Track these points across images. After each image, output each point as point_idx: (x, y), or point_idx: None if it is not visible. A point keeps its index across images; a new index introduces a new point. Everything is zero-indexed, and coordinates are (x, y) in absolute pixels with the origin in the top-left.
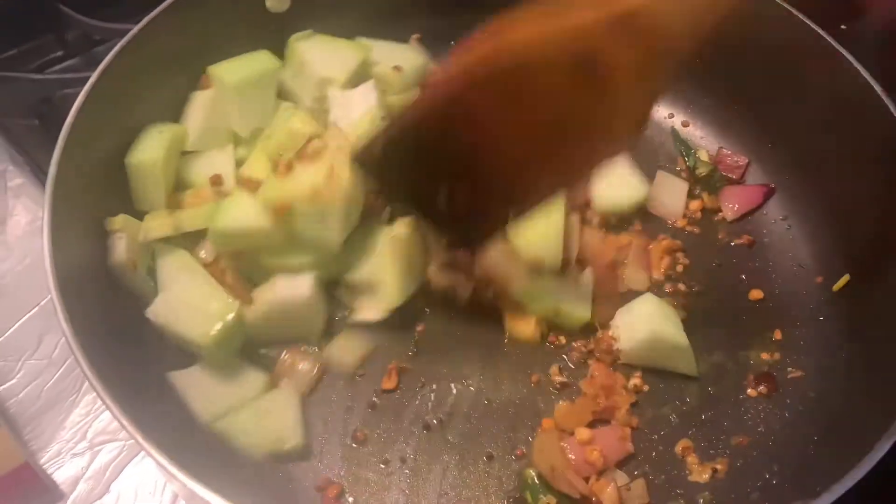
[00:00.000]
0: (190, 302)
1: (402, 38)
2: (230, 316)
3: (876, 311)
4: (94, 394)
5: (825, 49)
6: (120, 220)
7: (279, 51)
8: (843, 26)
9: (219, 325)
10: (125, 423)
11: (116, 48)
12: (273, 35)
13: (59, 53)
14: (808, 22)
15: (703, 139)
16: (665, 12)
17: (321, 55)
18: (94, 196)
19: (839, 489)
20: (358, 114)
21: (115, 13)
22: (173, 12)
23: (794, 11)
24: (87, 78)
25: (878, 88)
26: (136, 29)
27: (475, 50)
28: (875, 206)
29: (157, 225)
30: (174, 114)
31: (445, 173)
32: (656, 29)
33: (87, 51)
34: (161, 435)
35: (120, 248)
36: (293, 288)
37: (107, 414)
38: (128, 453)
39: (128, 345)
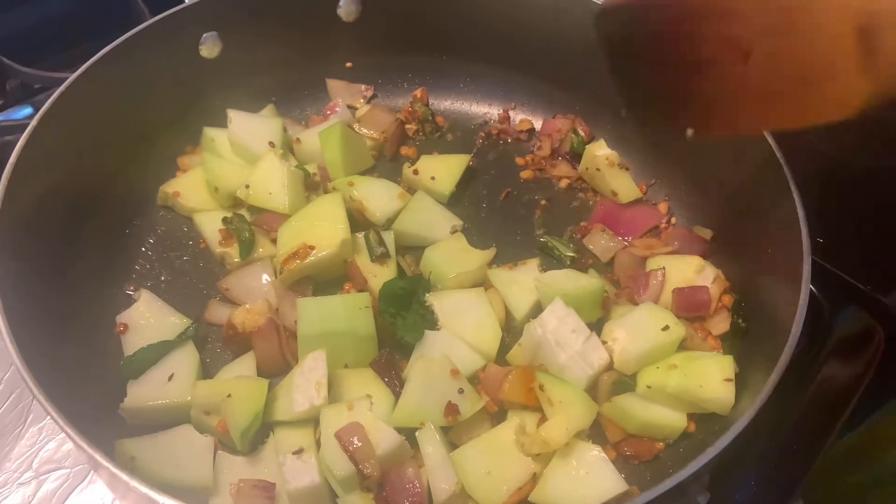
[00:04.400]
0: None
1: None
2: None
3: None
4: (40, 426)
5: None
6: None
7: (213, 96)
8: None
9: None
10: (75, 436)
11: (55, 95)
12: (206, 82)
13: None
14: None
15: None
16: None
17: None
18: (37, 237)
19: None
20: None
21: (55, 63)
22: (109, 61)
23: None
24: (27, 125)
25: None
26: (73, 77)
27: None
28: None
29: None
30: (115, 158)
31: (676, 57)
32: None
33: (27, 99)
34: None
35: None
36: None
37: (52, 444)
38: (73, 480)
39: (76, 375)
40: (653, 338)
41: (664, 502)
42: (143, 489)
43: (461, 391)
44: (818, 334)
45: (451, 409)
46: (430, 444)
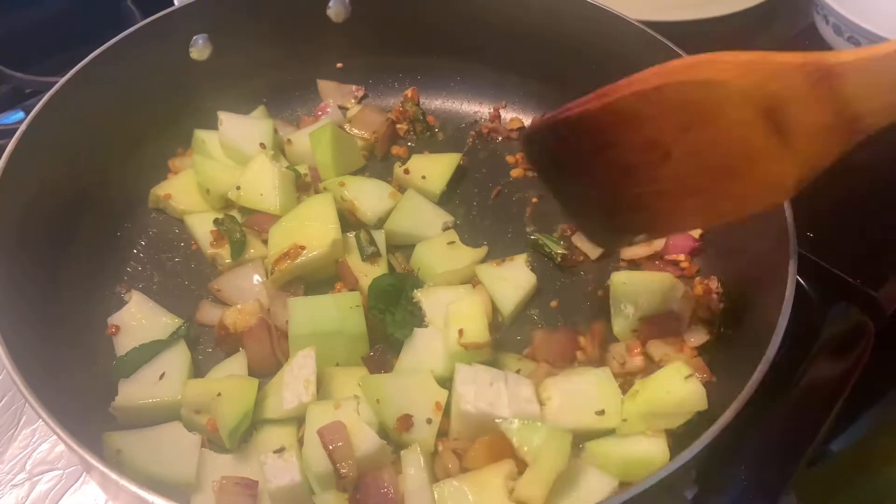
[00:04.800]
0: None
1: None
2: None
3: None
4: (33, 427)
5: None
6: None
7: (203, 98)
8: None
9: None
10: (67, 439)
11: (44, 98)
12: (197, 84)
13: None
14: None
15: None
16: (865, 83)
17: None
18: (28, 240)
19: None
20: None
21: (46, 67)
22: (99, 64)
23: None
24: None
25: None
26: (63, 80)
27: (683, 62)
28: None
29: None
30: (106, 161)
31: (602, 167)
32: (851, 96)
33: (19, 103)
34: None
35: None
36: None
37: (45, 445)
38: (66, 482)
39: (68, 377)
40: (585, 419)
41: (651, 497)
42: (135, 489)
43: (429, 421)
44: (808, 329)
45: (406, 421)
46: (413, 466)
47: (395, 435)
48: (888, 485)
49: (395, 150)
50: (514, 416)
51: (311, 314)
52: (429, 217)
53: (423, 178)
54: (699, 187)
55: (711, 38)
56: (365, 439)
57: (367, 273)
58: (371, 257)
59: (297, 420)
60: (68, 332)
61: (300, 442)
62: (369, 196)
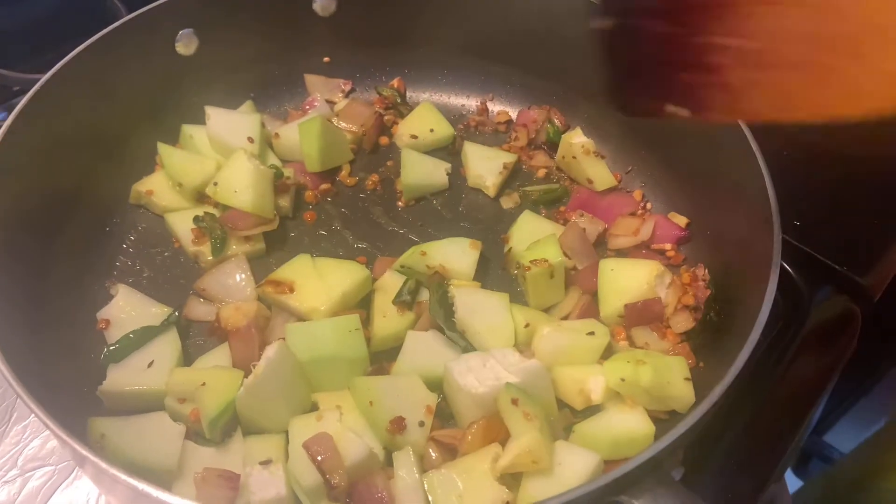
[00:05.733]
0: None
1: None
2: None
3: None
4: (24, 424)
5: None
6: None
7: (190, 93)
8: None
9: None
10: (60, 432)
11: (28, 95)
12: (184, 79)
13: None
14: None
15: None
16: None
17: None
18: (15, 237)
19: None
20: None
21: (32, 65)
22: (84, 60)
23: None
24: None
25: None
26: (47, 76)
27: None
28: None
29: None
30: (93, 157)
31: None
32: None
33: (5, 101)
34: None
35: None
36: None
37: (37, 441)
38: (58, 477)
39: (60, 373)
40: (577, 339)
41: (638, 477)
42: (131, 481)
43: (421, 424)
44: (795, 316)
45: (398, 423)
46: (405, 468)
47: (386, 438)
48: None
49: (384, 140)
50: (519, 377)
51: (308, 340)
52: (430, 167)
53: (413, 137)
54: (804, 58)
55: None
56: (352, 447)
57: (387, 314)
58: (402, 304)
59: (284, 433)
60: (59, 329)
61: (286, 455)
62: (452, 255)
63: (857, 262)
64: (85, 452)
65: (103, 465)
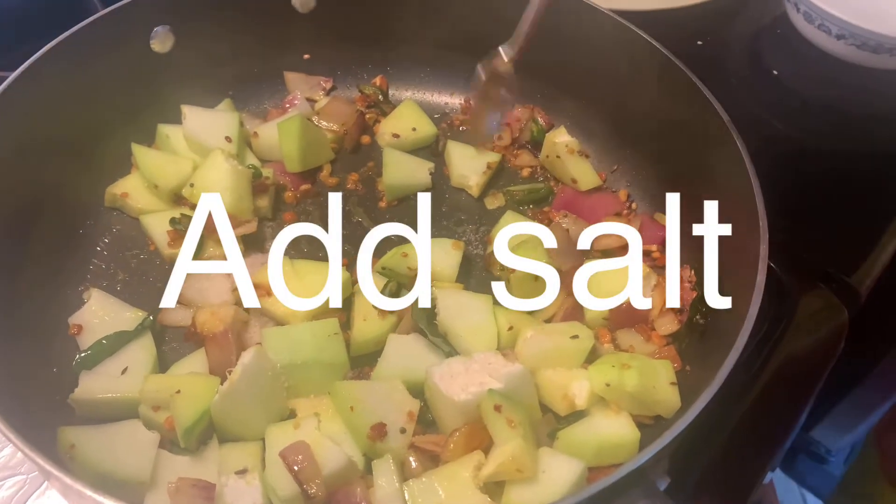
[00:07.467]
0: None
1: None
2: None
3: None
4: None
5: None
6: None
7: (166, 92)
8: None
9: None
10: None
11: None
12: (159, 77)
13: None
14: None
15: None
16: None
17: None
18: None
19: None
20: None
21: (6, 62)
22: (55, 57)
23: None
24: None
25: None
26: (15, 74)
27: None
28: None
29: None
30: (65, 158)
31: None
32: None
33: None
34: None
35: None
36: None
37: (8, 450)
38: (29, 487)
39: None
40: (561, 342)
41: (624, 488)
42: (97, 497)
43: (402, 430)
44: (783, 316)
45: (379, 429)
46: (384, 476)
47: (366, 444)
48: None
49: (366, 139)
50: (502, 382)
51: (287, 344)
52: (413, 167)
53: (395, 136)
54: None
55: (684, 27)
56: (330, 456)
57: (368, 318)
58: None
59: (260, 441)
60: (30, 334)
61: (263, 464)
62: (435, 256)
63: (844, 262)
64: (49, 467)
65: (68, 480)
